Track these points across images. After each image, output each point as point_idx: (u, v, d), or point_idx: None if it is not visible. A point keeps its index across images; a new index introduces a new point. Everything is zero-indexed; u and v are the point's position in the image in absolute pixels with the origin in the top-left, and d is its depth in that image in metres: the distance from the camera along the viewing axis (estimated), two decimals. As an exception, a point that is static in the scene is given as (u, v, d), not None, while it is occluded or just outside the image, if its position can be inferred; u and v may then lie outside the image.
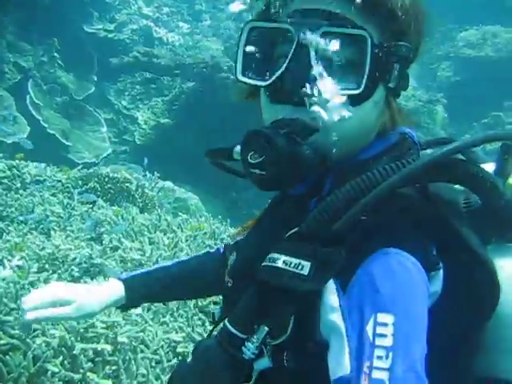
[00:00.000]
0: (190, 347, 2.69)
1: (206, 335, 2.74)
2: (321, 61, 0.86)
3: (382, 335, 0.74)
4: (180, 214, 4.40)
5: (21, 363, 2.21)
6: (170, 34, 9.81)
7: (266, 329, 0.84)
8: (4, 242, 3.40)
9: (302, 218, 0.86)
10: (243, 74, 0.96)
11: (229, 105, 7.06)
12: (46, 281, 2.80)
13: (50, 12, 7.33)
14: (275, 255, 0.85)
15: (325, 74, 0.86)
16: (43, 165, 4.62)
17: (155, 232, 3.83)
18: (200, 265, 1.47)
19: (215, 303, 3.21)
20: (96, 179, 4.54)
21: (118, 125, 8.47)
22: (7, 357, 2.22)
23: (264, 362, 0.86)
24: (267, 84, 0.92)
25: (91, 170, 4.60)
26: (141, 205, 4.46)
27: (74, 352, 2.36)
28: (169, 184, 5.17)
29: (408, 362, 0.72)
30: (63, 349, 2.37)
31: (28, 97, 6.71)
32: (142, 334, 2.58)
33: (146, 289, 1.42)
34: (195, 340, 2.78)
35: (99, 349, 2.39)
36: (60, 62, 7.44)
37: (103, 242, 3.73)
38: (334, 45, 0.86)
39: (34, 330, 2.41)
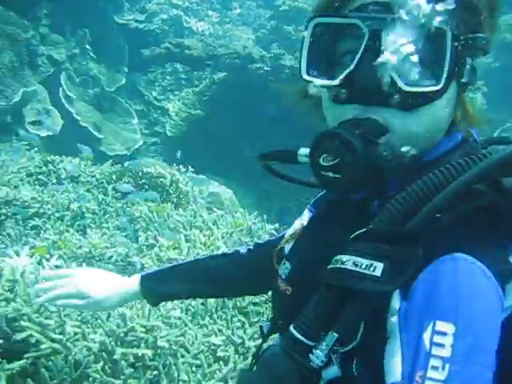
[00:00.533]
0: (231, 351, 2.63)
1: (246, 339, 2.66)
2: (394, 57, 0.80)
3: (440, 345, 0.68)
4: (215, 209, 4.34)
5: (63, 368, 2.18)
6: (200, 23, 9.73)
7: (336, 335, 0.78)
8: (42, 239, 3.38)
9: (362, 221, 0.82)
10: (308, 73, 0.91)
11: (260, 95, 6.96)
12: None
13: (82, 3, 7.32)
14: (343, 257, 0.80)
15: (399, 70, 0.81)
16: (77, 159, 4.59)
17: (191, 229, 3.77)
18: (221, 266, 1.48)
19: (254, 304, 3.14)
20: (130, 174, 4.50)
21: (148, 116, 8.45)
22: (50, 362, 2.19)
23: (333, 371, 0.81)
24: (335, 84, 0.86)
25: (125, 165, 4.55)
26: (175, 200, 4.40)
27: (115, 357, 2.31)
28: (203, 178, 5.10)
29: (466, 377, 0.66)
30: (103, 353, 2.32)
31: (61, 89, 6.72)
32: (182, 338, 2.52)
33: (164, 285, 1.50)
34: (235, 343, 2.72)
35: (140, 354, 2.34)
36: (91, 53, 7.43)
37: (139, 240, 3.70)
38: (409, 39, 0.79)
39: (75, 334, 2.37)
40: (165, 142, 7.98)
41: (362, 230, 0.81)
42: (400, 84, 0.81)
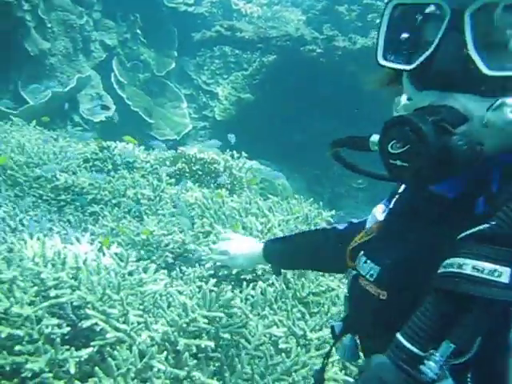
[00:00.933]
0: (292, 343, 2.58)
1: (308, 331, 2.59)
2: (478, 39, 0.74)
3: None
4: (269, 195, 4.28)
5: (128, 358, 2.18)
6: (248, 5, 9.61)
7: (452, 346, 0.72)
8: (101, 226, 3.41)
9: (465, 220, 0.76)
10: (384, 58, 0.86)
11: (312, 78, 6.82)
12: (145, 270, 2.76)
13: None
14: (458, 260, 0.73)
15: (481, 52, 0.74)
16: (131, 145, 4.61)
17: (246, 216, 3.72)
18: (322, 240, 1.58)
19: (314, 294, 3.08)
20: (184, 160, 4.48)
21: (197, 100, 8.44)
22: (115, 352, 2.19)
23: None
24: (412, 67, 0.82)
25: (179, 151, 4.54)
26: (229, 186, 4.36)
27: (178, 347, 2.30)
28: (255, 164, 5.05)
29: None
30: (167, 344, 2.32)
31: (113, 75, 6.77)
32: (244, 329, 2.49)
33: (280, 255, 1.78)
34: (297, 335, 2.67)
35: (203, 345, 2.32)
36: (142, 38, 7.45)
37: (194, 227, 3.68)
38: (497, 19, 0.73)
39: (138, 323, 2.37)
40: (214, 127, 7.95)
41: (473, 231, 0.74)
42: (483, 68, 0.74)
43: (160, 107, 7.61)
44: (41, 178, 3.78)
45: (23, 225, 3.46)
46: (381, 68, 0.89)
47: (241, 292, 2.79)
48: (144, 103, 7.17)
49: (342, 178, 6.95)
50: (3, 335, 2.10)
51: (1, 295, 2.26)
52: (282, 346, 2.59)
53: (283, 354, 2.47)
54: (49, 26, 6.05)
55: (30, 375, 2.01)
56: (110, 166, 4.26)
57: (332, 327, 1.15)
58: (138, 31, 7.37)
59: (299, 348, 2.56)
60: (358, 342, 1.07)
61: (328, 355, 1.24)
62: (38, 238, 2.95)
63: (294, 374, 2.34)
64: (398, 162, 0.77)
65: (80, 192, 3.79)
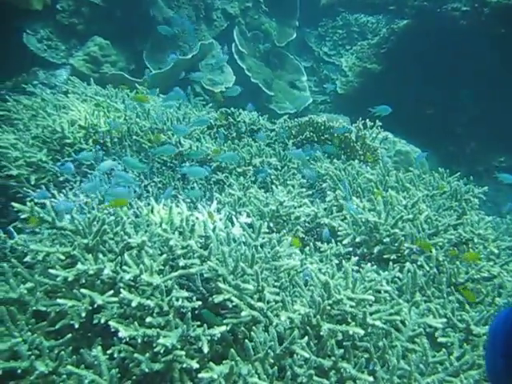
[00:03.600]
0: (455, 338, 2.15)
1: (472, 323, 2.14)
2: None
3: None
4: (410, 168, 3.82)
5: (266, 341, 1.88)
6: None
7: None
8: (227, 195, 3.17)
9: None
10: None
11: (453, 45, 6.12)
12: (279, 242, 2.46)
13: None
14: None
15: None
16: (255, 113, 4.33)
17: (385, 189, 3.30)
18: None
19: (473, 281, 2.61)
20: (311, 129, 4.13)
21: (318, 73, 8.02)
22: (252, 333, 1.91)
23: None
24: None
25: (306, 119, 4.19)
26: (362, 157, 3.95)
27: (321, 333, 1.97)
28: (389, 135, 4.57)
29: None
30: (308, 328, 1.99)
31: (233, 45, 6.55)
32: (396, 316, 2.10)
33: None
34: (457, 327, 2.23)
35: (351, 332, 1.97)
36: (264, 6, 7.14)
37: (326, 200, 3.33)
38: None
39: (275, 302, 2.07)
40: (335, 101, 7.50)
41: None
42: None
43: (279, 80, 7.30)
44: (165, 145, 3.62)
45: (148, 191, 3.32)
46: None
47: (385, 273, 2.40)
48: (263, 75, 6.89)
49: (480, 155, 6.25)
50: (134, 304, 1.89)
51: (130, 261, 2.06)
52: (441, 339, 2.18)
53: (443, 350, 2.06)
54: (174, -8, 5.95)
55: (162, 351, 1.78)
56: (234, 134, 4.01)
57: None
58: (260, -1, 7.08)
59: (464, 344, 2.13)
60: None
61: None
62: (165, 204, 2.76)
63: (461, 375, 1.93)
64: None
65: (204, 159, 3.58)
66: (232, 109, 4.08)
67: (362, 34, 7.88)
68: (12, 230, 2.47)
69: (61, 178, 3.24)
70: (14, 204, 2.16)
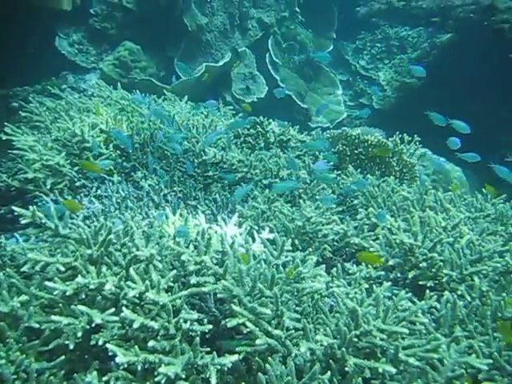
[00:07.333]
0: (501, 381, 1.87)
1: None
2: None
3: None
4: (450, 187, 3.55)
5: (282, 375, 1.65)
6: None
7: None
8: (250, 208, 2.95)
9: None
10: None
11: (498, 60, 5.80)
12: (304, 262, 2.23)
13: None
14: None
15: None
16: (285, 123, 4.12)
17: (422, 209, 3.04)
18: None
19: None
20: (344, 142, 3.89)
21: (354, 87, 7.77)
22: (266, 364, 1.68)
23: None
24: None
25: (339, 131, 3.96)
26: (398, 174, 3.69)
27: (346, 369, 1.73)
28: (427, 152, 4.30)
29: None
30: (331, 361, 1.76)
31: (267, 55, 6.38)
32: (433, 353, 1.84)
33: None
34: (505, 370, 1.95)
35: (380, 369, 1.72)
36: (300, 17, 6.96)
37: (357, 217, 3.09)
38: None
39: (295, 330, 1.84)
40: (371, 116, 7.23)
41: None
42: None
43: (313, 92, 7.09)
44: (189, 152, 3.45)
45: (167, 201, 3.13)
46: None
47: (422, 303, 2.14)
48: (297, 86, 6.69)
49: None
50: (136, 325, 1.69)
51: (136, 276, 1.86)
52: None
53: (488, 397, 1.79)
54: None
55: (163, 381, 1.57)
56: (262, 144, 3.81)
57: None
58: (297, 9, 6.90)
59: (511, 390, 1.85)
60: None
61: None
62: (181, 215, 2.56)
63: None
64: None
65: (229, 169, 3.38)
66: (261, 117, 3.88)
67: (402, 48, 7.61)
68: (17, 235, 2.31)
69: (77, 183, 3.09)
70: (14, 208, 1.99)
